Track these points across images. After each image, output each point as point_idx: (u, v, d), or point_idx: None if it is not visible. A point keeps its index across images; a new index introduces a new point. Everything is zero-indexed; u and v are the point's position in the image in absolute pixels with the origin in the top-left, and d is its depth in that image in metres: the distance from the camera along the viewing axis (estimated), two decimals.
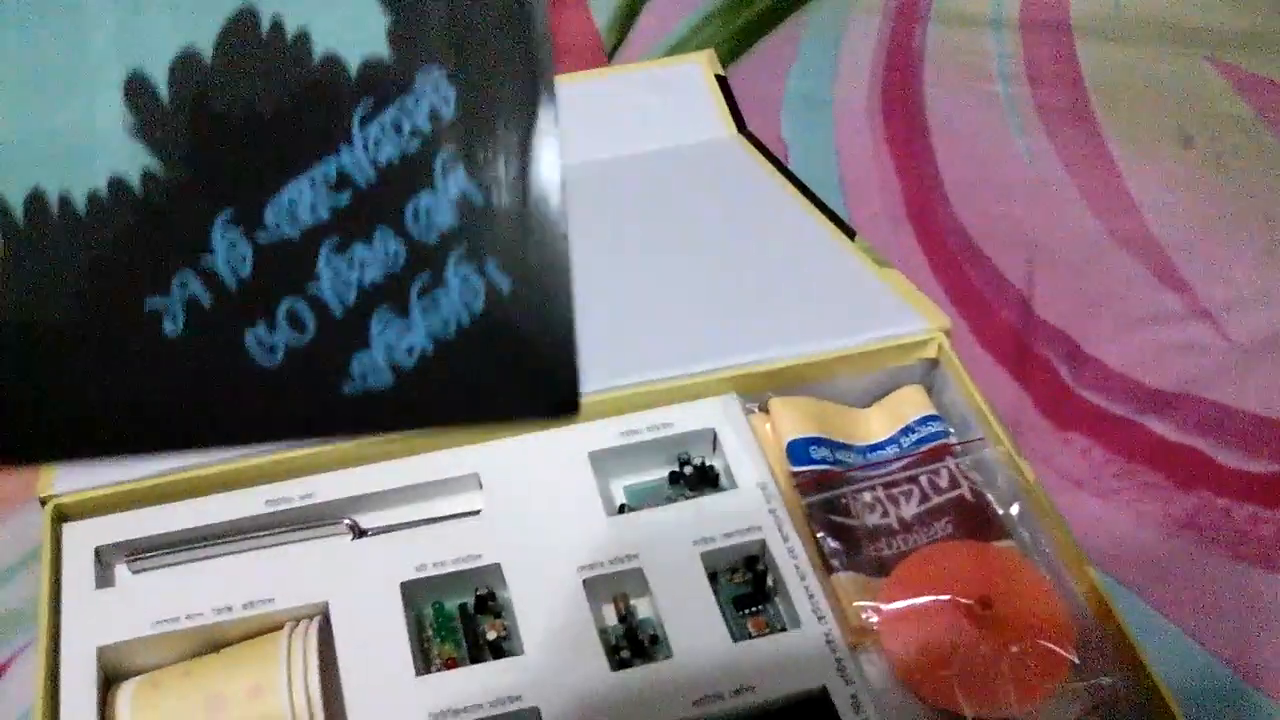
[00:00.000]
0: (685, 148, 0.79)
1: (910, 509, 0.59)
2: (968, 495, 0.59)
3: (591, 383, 0.62)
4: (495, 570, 0.56)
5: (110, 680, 0.54)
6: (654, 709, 0.52)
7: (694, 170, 0.78)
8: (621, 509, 0.60)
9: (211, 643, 0.55)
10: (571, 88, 0.84)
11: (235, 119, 0.28)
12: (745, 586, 0.57)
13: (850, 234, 0.70)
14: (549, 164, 0.28)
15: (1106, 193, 0.85)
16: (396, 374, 0.28)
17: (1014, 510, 0.58)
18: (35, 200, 0.28)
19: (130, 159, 0.28)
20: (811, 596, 0.55)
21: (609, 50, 0.97)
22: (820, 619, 0.54)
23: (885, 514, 0.59)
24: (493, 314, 0.28)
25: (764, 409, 0.62)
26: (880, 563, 0.57)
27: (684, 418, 0.62)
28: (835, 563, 0.56)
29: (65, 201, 0.28)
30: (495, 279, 0.28)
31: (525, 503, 0.58)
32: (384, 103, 0.28)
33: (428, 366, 0.28)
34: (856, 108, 0.92)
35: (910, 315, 0.64)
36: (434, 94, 0.28)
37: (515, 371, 0.28)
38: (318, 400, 0.29)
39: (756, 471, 0.60)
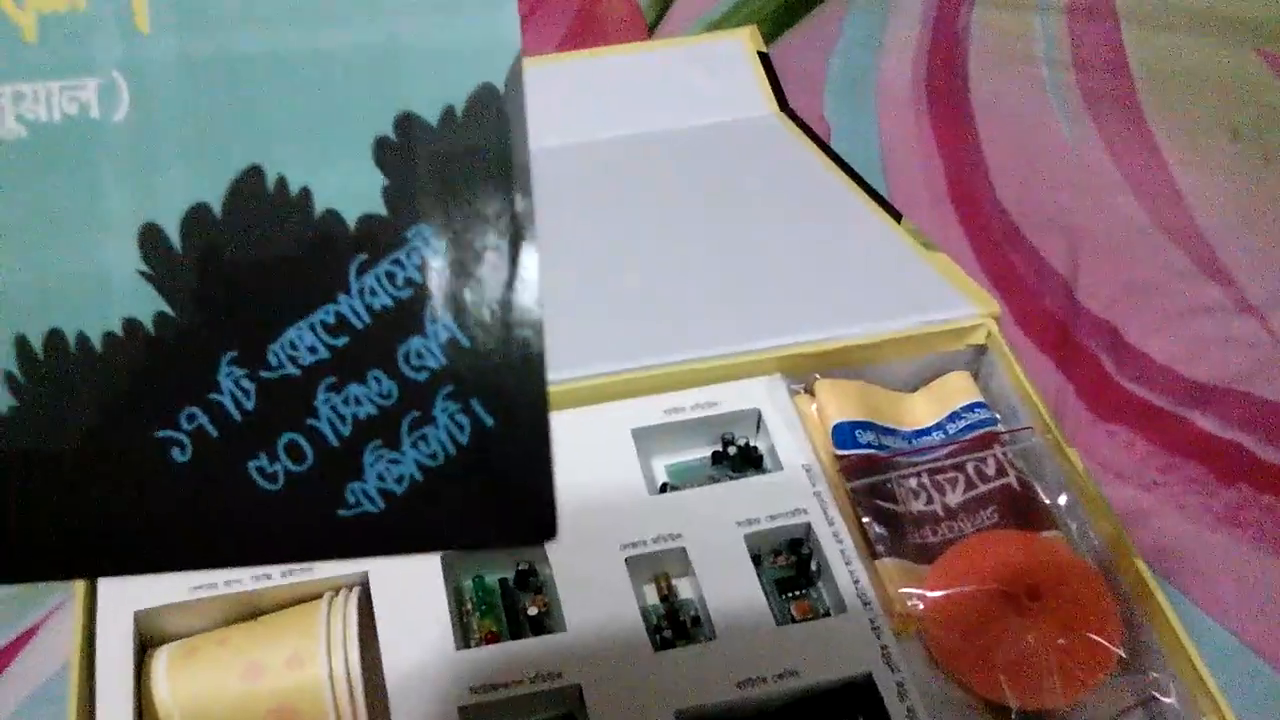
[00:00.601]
0: (726, 124, 0.78)
1: (956, 496, 0.58)
2: (1015, 484, 0.58)
3: (635, 359, 0.61)
4: (536, 545, 0.55)
5: (146, 645, 0.53)
6: (697, 690, 0.51)
7: (735, 147, 0.77)
8: (664, 488, 0.59)
9: (249, 610, 0.54)
10: (612, 61, 0.83)
11: (242, 267, 0.30)
12: (789, 570, 0.57)
13: (896, 216, 0.70)
14: (529, 308, 0.30)
15: (1151, 181, 0.84)
16: (388, 500, 0.31)
17: (1061, 500, 0.58)
18: (54, 339, 0.31)
19: (144, 302, 0.31)
20: (856, 582, 0.55)
21: (650, 24, 0.96)
22: (865, 604, 0.54)
23: (930, 501, 0.58)
24: (477, 447, 0.30)
25: (809, 390, 0.61)
26: (925, 550, 0.56)
27: (728, 397, 0.61)
28: (880, 548, 0.56)
29: (83, 341, 0.31)
30: (480, 415, 0.30)
31: (567, 478, 0.57)
32: (379, 255, 0.30)
33: (417, 494, 0.31)
34: (900, 89, 0.91)
35: (958, 300, 0.64)
36: (425, 247, 0.30)
37: (497, 500, 0.30)
38: (315, 523, 0.31)
39: (801, 453, 0.59)
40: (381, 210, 0.30)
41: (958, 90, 0.91)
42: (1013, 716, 0.51)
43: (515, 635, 0.54)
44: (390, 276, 0.30)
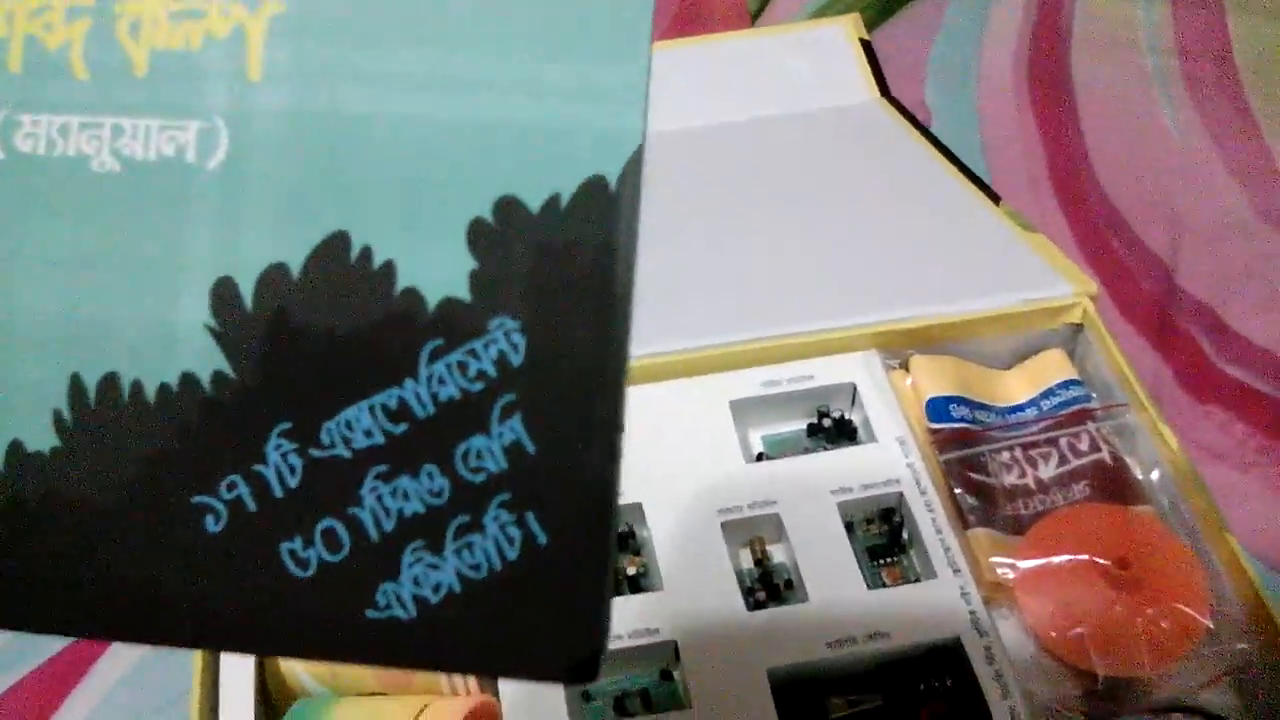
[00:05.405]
0: (828, 110, 0.80)
1: (1048, 470, 0.59)
2: (1107, 460, 0.59)
3: (734, 333, 0.63)
4: (636, 509, 0.57)
5: None
6: (789, 649, 0.53)
7: (837, 132, 0.78)
8: (760, 457, 0.61)
9: None
10: (715, 48, 0.85)
11: (311, 336, 0.29)
12: (880, 538, 0.58)
13: (995, 198, 0.71)
14: (608, 424, 0.27)
15: (1254, 168, 0.84)
16: (420, 608, 0.28)
17: (1154, 476, 0.58)
18: (108, 383, 0.29)
19: (205, 359, 0.29)
20: (947, 550, 0.56)
21: (753, 12, 0.98)
22: (955, 572, 0.55)
23: (1023, 474, 0.59)
24: (525, 566, 0.28)
25: (904, 366, 0.63)
26: (1016, 522, 0.57)
27: (825, 371, 0.62)
28: (971, 518, 0.57)
29: (137, 389, 0.29)
30: (534, 531, 0.28)
31: (666, 446, 0.60)
32: (455, 342, 0.28)
33: (452, 607, 0.28)
34: (1002, 75, 0.92)
35: (1055, 279, 0.65)
36: (504, 341, 0.28)
37: (539, 628, 0.28)
38: (339, 620, 0.29)
39: (895, 426, 0.60)
40: (465, 295, 0.28)
41: (1060, 77, 0.91)
42: (1099, 683, 0.52)
43: (614, 593, 0.56)
44: (463, 367, 0.28)
